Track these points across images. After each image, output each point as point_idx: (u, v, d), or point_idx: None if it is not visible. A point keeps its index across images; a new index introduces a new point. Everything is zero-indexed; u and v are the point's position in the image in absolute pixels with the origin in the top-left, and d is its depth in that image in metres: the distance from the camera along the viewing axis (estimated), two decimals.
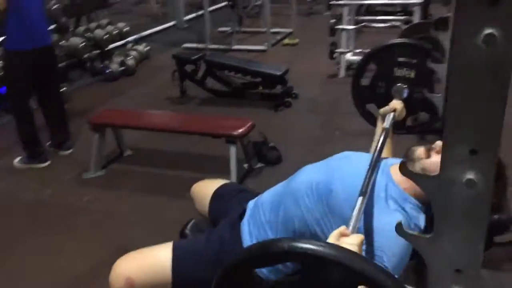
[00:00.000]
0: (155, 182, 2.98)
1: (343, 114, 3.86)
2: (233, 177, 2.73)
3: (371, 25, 4.61)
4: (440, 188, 0.64)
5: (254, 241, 1.38)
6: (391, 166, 1.30)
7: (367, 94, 1.93)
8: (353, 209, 1.02)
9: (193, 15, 7.59)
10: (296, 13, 7.09)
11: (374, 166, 1.19)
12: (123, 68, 4.94)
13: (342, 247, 0.73)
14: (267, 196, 1.45)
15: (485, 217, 0.63)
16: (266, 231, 1.37)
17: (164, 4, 7.99)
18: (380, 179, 1.25)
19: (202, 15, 6.29)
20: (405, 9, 5.26)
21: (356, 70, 1.97)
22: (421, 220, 1.20)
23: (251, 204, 1.49)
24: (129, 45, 5.56)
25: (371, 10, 5.68)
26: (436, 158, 1.21)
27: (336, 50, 4.53)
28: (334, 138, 3.44)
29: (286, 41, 6.14)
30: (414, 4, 4.32)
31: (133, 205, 2.73)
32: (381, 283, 0.64)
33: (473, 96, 0.59)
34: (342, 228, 0.94)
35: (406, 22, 4.50)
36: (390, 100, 1.79)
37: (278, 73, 4.00)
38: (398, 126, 1.79)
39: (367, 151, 1.55)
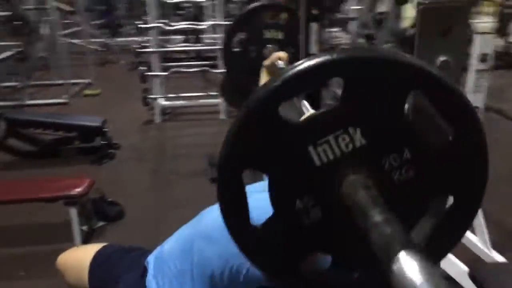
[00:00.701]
0: None
1: (170, 157, 3.87)
2: (77, 242, 2.45)
3: (181, 70, 4.77)
4: None
5: None
6: None
7: (239, 60, 1.93)
8: None
9: None
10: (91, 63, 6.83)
11: None
12: None
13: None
14: (173, 245, 1.35)
15: None
16: (181, 281, 1.28)
17: None
18: None
19: None
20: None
21: (226, 36, 1.95)
22: None
23: (150, 259, 1.37)
24: None
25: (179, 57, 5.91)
26: None
27: (149, 96, 4.53)
28: (169, 181, 3.40)
29: (87, 91, 5.83)
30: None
31: None
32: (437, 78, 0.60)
33: None
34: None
35: (212, 66, 4.80)
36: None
37: (96, 124, 3.77)
38: None
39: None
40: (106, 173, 3.54)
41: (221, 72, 4.41)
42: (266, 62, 1.66)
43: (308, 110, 1.18)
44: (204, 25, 5.45)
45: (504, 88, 5.39)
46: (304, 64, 0.58)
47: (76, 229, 2.44)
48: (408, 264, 0.44)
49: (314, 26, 1.68)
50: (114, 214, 2.82)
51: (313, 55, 0.60)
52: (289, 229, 0.66)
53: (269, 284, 1.22)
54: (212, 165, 3.35)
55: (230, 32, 1.91)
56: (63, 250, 1.61)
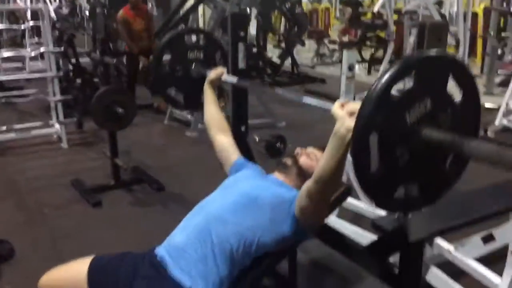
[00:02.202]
0: None
1: (29, 191, 3.60)
2: None
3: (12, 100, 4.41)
4: None
5: (198, 279, 1.46)
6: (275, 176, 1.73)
7: (168, 79, 2.16)
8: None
9: None
10: None
11: None
12: None
13: None
14: (186, 236, 1.54)
15: None
16: (206, 262, 1.48)
17: None
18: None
19: None
20: None
21: (155, 59, 2.16)
22: None
23: (162, 254, 1.53)
24: None
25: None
26: (304, 158, 1.72)
27: None
28: (44, 214, 3.20)
29: None
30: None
31: None
32: None
33: None
34: (339, 101, 1.25)
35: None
36: (190, 82, 2.14)
37: None
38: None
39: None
40: None
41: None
42: (212, 76, 1.98)
43: None
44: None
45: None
46: (400, 63, 1.00)
47: None
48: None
49: (240, 45, 2.05)
50: (6, 253, 2.59)
51: (396, 61, 1.03)
52: (389, 169, 1.04)
53: (275, 249, 1.55)
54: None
55: (159, 55, 2.15)
56: None
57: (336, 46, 10.78)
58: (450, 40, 6.10)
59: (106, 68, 3.80)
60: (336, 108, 1.23)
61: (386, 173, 1.04)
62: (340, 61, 10.59)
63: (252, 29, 5.08)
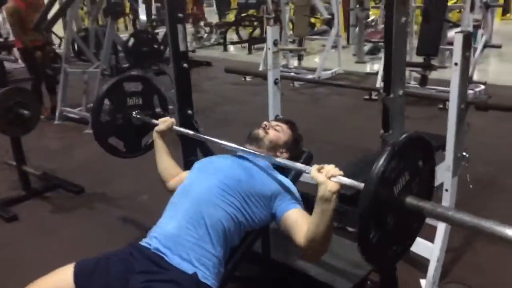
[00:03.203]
0: None
1: None
2: None
3: None
4: None
5: (198, 263, 1.46)
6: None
7: (108, 128, 2.10)
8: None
9: None
10: None
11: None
12: None
13: None
14: (177, 223, 1.52)
15: None
16: (203, 246, 1.48)
17: None
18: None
19: None
20: None
21: (94, 109, 2.06)
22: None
23: (156, 245, 1.49)
24: None
25: None
26: (272, 131, 1.78)
27: None
28: None
29: None
30: None
31: None
32: None
33: None
34: (316, 166, 1.39)
35: None
36: (131, 129, 2.12)
37: None
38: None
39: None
40: None
41: None
42: (162, 127, 1.96)
43: None
44: None
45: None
46: (389, 150, 1.14)
47: None
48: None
49: (179, 27, 2.01)
50: None
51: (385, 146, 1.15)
52: (383, 235, 1.17)
53: (261, 226, 1.61)
54: None
55: (98, 104, 2.06)
56: None
57: (211, 29, 10.88)
58: (325, 14, 6.56)
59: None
60: (315, 173, 1.36)
61: (381, 239, 1.17)
62: (219, 43, 10.75)
63: (142, 15, 4.90)
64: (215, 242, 1.50)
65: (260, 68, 6.81)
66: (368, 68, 7.35)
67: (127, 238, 2.64)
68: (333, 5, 6.58)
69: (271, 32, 2.53)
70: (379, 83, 5.62)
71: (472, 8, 4.62)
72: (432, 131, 3.25)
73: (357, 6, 7.61)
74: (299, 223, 1.49)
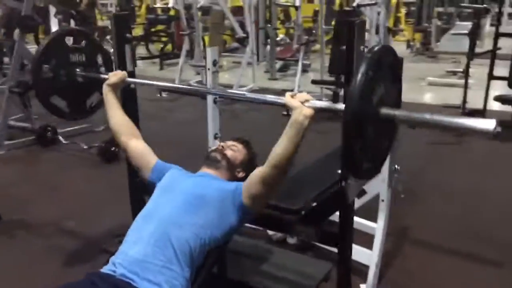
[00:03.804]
0: None
1: None
2: None
3: None
4: None
5: (167, 286, 1.44)
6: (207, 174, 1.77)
7: (50, 86, 1.96)
8: None
9: None
10: None
11: None
12: None
13: None
14: (142, 247, 1.48)
15: None
16: (171, 267, 1.47)
17: None
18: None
19: None
20: None
21: (34, 66, 1.92)
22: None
23: (119, 270, 1.45)
24: None
25: None
26: (229, 152, 1.80)
27: None
28: None
29: None
30: None
31: None
32: None
33: None
34: (289, 93, 1.41)
35: None
36: (75, 87, 2.00)
37: None
38: None
39: None
40: None
41: None
42: (113, 79, 1.87)
43: None
44: None
45: None
46: (369, 58, 1.23)
47: None
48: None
49: (127, 47, 1.96)
50: None
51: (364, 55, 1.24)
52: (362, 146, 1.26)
53: (223, 242, 1.64)
54: None
55: (38, 60, 1.90)
56: None
57: None
58: (240, 32, 6.75)
59: None
60: (289, 99, 1.40)
61: (362, 150, 1.25)
62: None
63: (54, 26, 4.65)
64: (183, 263, 1.50)
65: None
66: (280, 84, 7.65)
67: (55, 269, 2.48)
68: (247, 24, 6.78)
69: (210, 53, 2.56)
70: None
71: (377, 31, 5.07)
72: None
73: (268, 25, 7.91)
74: (255, 172, 1.53)
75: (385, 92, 1.30)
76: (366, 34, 5.96)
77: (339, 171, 1.58)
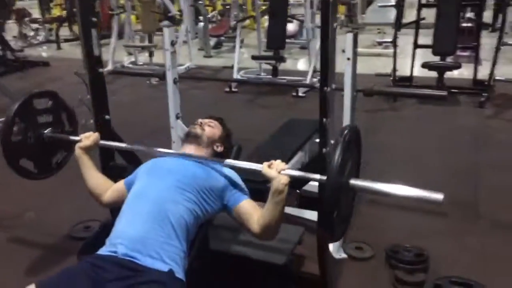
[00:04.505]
0: None
1: None
2: None
3: None
4: None
5: (169, 260, 1.52)
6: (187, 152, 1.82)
7: (20, 149, 1.96)
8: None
9: None
10: None
11: None
12: None
13: None
14: (142, 225, 1.54)
15: None
16: (171, 243, 1.55)
17: None
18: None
19: None
20: None
21: (4, 130, 1.89)
22: None
23: (121, 250, 1.50)
24: None
25: None
26: (208, 128, 1.88)
27: None
28: None
29: None
30: None
31: None
32: None
33: None
34: (266, 163, 1.59)
35: None
36: (43, 148, 2.02)
37: None
38: None
39: None
40: None
41: None
42: (86, 143, 1.93)
43: None
44: None
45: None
46: (338, 143, 1.46)
47: None
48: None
49: (93, 32, 1.93)
50: None
51: (335, 139, 1.37)
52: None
53: (214, 215, 1.74)
54: None
55: (8, 124, 1.91)
56: None
57: (38, 25, 9.98)
58: (174, 10, 6.65)
59: None
60: (266, 170, 1.57)
61: (338, 217, 1.48)
62: (49, 41, 9.92)
63: None
64: (181, 237, 1.58)
65: (109, 67, 6.57)
66: (216, 61, 7.66)
67: (22, 259, 2.44)
68: (181, 1, 6.68)
69: (167, 33, 2.57)
70: (236, 75, 5.96)
71: (311, 6, 5.24)
72: (293, 116, 3.70)
73: (199, 2, 7.84)
74: (251, 213, 1.66)
75: (351, 166, 1.55)
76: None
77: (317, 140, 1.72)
